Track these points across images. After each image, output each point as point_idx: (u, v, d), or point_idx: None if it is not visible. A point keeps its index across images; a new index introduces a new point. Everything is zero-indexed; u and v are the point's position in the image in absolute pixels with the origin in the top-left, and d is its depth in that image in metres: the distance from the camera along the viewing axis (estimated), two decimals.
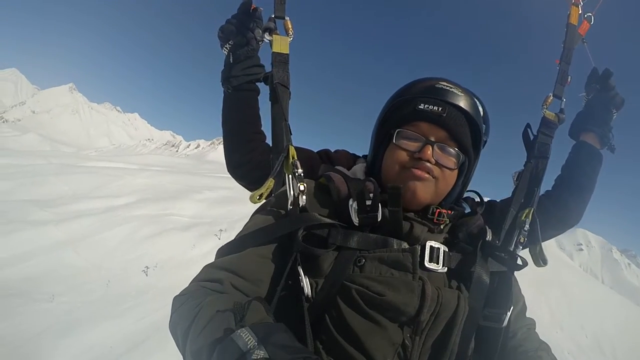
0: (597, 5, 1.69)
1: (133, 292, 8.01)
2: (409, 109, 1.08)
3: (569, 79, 1.60)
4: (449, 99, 1.06)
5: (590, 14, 1.68)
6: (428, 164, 1.02)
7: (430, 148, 1.02)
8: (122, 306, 7.34)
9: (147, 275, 8.96)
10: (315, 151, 1.58)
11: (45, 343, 5.79)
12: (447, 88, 1.08)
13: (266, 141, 1.52)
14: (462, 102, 1.07)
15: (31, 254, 8.46)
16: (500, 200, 1.50)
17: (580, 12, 1.66)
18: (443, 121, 1.05)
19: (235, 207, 15.44)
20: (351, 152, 1.57)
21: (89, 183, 15.23)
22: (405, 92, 1.14)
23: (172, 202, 14.70)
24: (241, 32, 1.44)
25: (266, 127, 1.50)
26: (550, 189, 1.63)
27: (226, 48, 1.50)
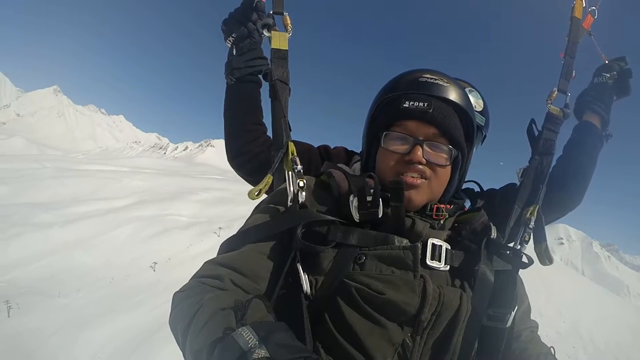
0: None
1: (143, 286, 8.40)
2: (394, 108, 1.04)
3: (573, 74, 1.56)
4: (435, 92, 1.01)
5: (594, 8, 1.63)
6: (420, 166, 1.00)
7: (420, 148, 0.99)
8: (134, 299, 7.73)
9: (154, 270, 9.36)
10: (315, 146, 1.59)
11: (68, 335, 6.15)
12: (432, 81, 1.03)
13: (267, 133, 1.53)
14: (449, 94, 1.02)
15: (41, 255, 8.76)
16: (500, 189, 1.49)
17: (584, 5, 1.61)
18: (430, 117, 1.00)
19: (230, 207, 15.97)
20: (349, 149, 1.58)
21: (87, 186, 15.50)
22: (390, 89, 1.09)
23: (169, 203, 15.09)
24: (243, 24, 1.45)
25: (267, 121, 1.54)
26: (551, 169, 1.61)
27: (229, 41, 1.51)
